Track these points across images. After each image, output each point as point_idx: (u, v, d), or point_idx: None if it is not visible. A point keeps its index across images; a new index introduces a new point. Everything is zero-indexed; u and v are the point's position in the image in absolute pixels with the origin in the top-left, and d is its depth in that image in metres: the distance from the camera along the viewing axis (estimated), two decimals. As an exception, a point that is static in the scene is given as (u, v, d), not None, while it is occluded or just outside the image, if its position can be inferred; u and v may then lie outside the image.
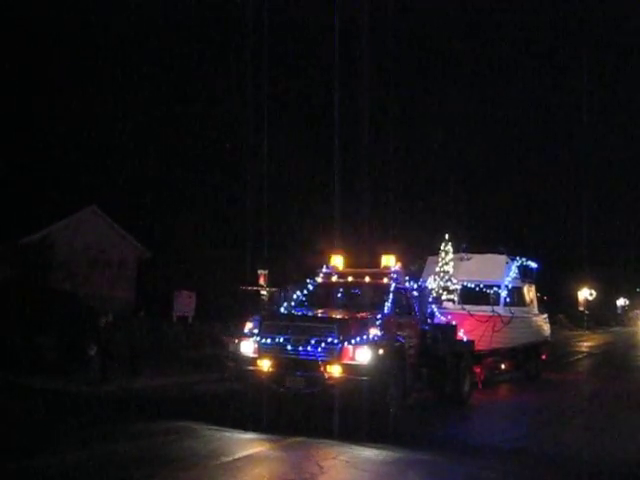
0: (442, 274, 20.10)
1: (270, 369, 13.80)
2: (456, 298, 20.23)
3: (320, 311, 14.69)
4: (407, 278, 15.82)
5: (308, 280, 16.03)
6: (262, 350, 13.97)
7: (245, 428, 13.08)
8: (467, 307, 20.23)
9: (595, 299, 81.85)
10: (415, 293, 15.66)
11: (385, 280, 15.33)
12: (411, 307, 15.45)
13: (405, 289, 15.53)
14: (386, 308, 14.56)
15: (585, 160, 77.91)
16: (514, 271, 22.12)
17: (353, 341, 13.24)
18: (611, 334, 68.12)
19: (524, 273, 23.27)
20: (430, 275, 20.60)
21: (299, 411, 13.80)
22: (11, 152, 34.84)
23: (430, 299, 20.04)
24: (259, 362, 13.95)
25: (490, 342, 20.01)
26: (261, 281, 28.69)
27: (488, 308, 20.09)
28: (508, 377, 22.96)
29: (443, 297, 20.02)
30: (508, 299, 21.22)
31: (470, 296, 20.89)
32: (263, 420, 13.41)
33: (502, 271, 21.59)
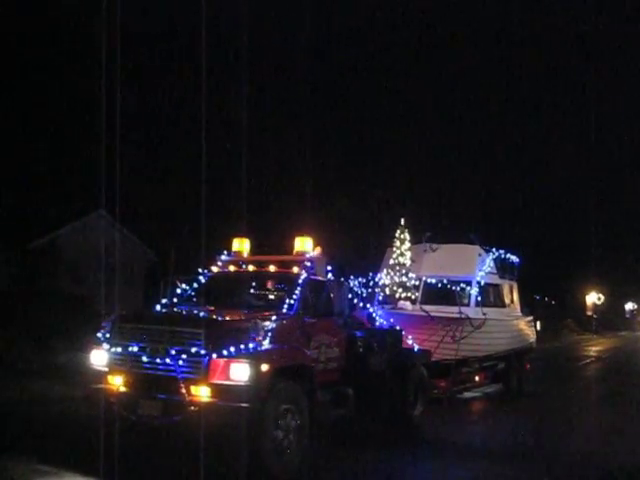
0: (397, 267, 15.67)
1: (122, 389, 9.55)
2: (416, 297, 15.78)
3: (204, 309, 10.41)
4: (329, 268, 11.39)
5: (200, 270, 11.73)
6: (114, 362, 9.73)
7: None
8: (429, 308, 15.86)
9: (603, 303, 78.65)
10: (340, 288, 11.21)
11: (295, 270, 10.96)
12: (331, 306, 11.04)
13: (323, 283, 11.13)
14: (287, 306, 10.20)
15: (594, 160, 73.54)
16: (489, 265, 17.63)
17: (226, 352, 8.95)
18: (619, 338, 64.25)
19: (502, 268, 18.77)
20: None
21: (148, 452, 9.52)
22: (20, 156, 33.88)
23: (380, 298, 15.74)
24: (110, 378, 9.71)
25: (457, 350, 15.59)
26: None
27: (455, 309, 15.62)
28: (484, 391, 18.47)
29: (397, 295, 15.60)
30: (480, 298, 16.75)
31: (434, 295, 16.50)
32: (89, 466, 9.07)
33: (473, 265, 17.13)
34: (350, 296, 12.48)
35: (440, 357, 15.49)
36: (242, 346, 9.01)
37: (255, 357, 9.01)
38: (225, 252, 11.90)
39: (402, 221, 15.96)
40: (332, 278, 11.25)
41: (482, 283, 16.96)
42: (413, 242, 16.53)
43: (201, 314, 9.90)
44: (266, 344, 9.28)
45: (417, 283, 16.07)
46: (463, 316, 15.51)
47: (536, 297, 69.38)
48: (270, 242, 12.99)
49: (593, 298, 78.05)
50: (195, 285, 11.43)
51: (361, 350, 11.76)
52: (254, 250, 12.19)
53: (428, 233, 17.43)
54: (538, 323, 60.19)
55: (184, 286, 11.31)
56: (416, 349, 13.40)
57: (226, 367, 8.93)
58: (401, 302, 15.60)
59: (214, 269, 11.67)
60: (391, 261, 15.84)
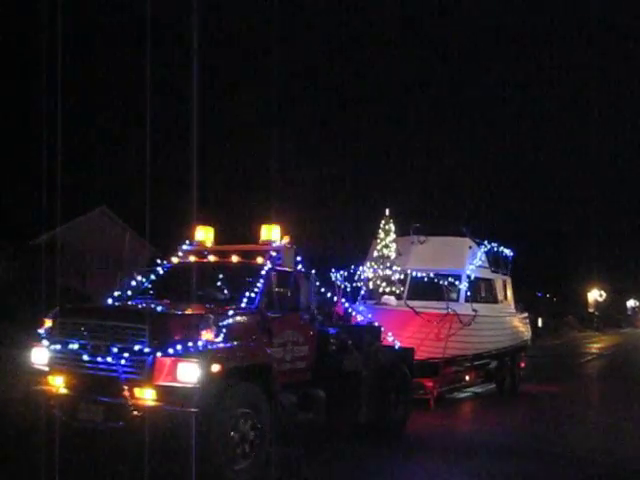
0: (381, 260, 14.58)
1: (62, 390, 8.51)
2: (401, 291, 14.70)
3: (158, 303, 9.34)
4: (299, 259, 10.30)
5: (158, 261, 10.67)
6: (55, 361, 8.70)
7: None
8: (415, 303, 14.78)
9: (605, 300, 77.56)
10: (307, 280, 10.12)
11: (260, 260, 9.87)
12: (299, 300, 9.96)
13: (290, 274, 10.04)
14: (247, 300, 9.12)
15: (596, 159, 72.27)
16: (480, 258, 16.52)
17: (172, 350, 7.90)
18: (621, 335, 63.21)
19: (495, 262, 17.67)
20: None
21: (90, 461, 8.46)
22: (21, 153, 33.80)
23: (364, 292, 14.67)
24: (50, 379, 8.67)
25: (445, 348, 14.51)
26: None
27: (443, 305, 14.52)
28: (475, 392, 17.39)
29: (381, 290, 14.52)
30: (469, 293, 15.64)
31: (421, 289, 15.39)
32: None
33: (463, 258, 16.03)
34: (324, 290, 11.41)
35: (427, 356, 14.42)
36: (191, 344, 7.96)
37: (206, 356, 7.96)
38: (187, 242, 10.82)
39: (387, 211, 14.86)
40: (300, 269, 10.16)
41: (472, 277, 15.86)
42: (399, 234, 15.45)
43: (148, 308, 8.83)
44: (219, 341, 8.22)
45: (403, 277, 14.98)
46: (451, 312, 14.42)
47: (538, 294, 68.49)
48: (239, 231, 11.82)
49: (595, 295, 77.23)
50: (153, 277, 10.37)
51: (334, 348, 10.68)
52: (220, 240, 11.11)
53: (416, 224, 16.33)
54: (539, 320, 59.98)
55: (140, 278, 10.25)
56: (397, 347, 12.30)
57: (173, 367, 7.89)
58: (385, 297, 14.53)
59: (174, 260, 10.60)
60: (375, 253, 14.74)
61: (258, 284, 9.37)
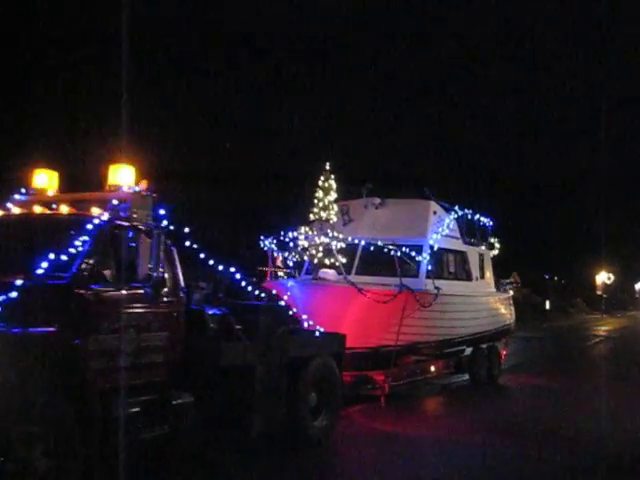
0: (319, 225, 11.37)
1: None
2: (339, 263, 11.43)
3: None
4: (151, 214, 7.06)
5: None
6: None
7: None
8: (366, 279, 11.62)
9: (613, 283, 74.50)
10: (157, 240, 6.85)
11: (95, 211, 6.70)
12: (138, 268, 6.69)
13: (129, 232, 6.76)
14: (42, 266, 5.96)
15: (604, 140, 68.35)
16: (448, 226, 13.19)
17: None
18: (629, 318, 60.25)
19: (469, 232, 14.36)
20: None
21: None
22: (26, 141, 30.26)
23: (290, 262, 11.51)
24: None
25: (398, 334, 11.34)
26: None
27: (396, 281, 11.30)
28: (443, 384, 14.13)
29: (316, 261, 11.31)
30: (431, 267, 12.37)
31: (373, 262, 12.19)
32: None
33: (426, 225, 12.74)
34: (206, 257, 8.18)
35: (375, 343, 11.28)
36: None
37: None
38: (23, 189, 7.66)
39: (327, 165, 11.57)
40: (150, 225, 6.93)
41: (436, 248, 12.58)
42: (344, 194, 12.22)
43: None
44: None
45: (344, 246, 11.71)
46: (404, 290, 11.20)
47: (546, 276, 65.34)
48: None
49: (603, 278, 73.73)
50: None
51: (212, 336, 7.52)
52: (71, 187, 7.95)
53: (369, 185, 13.05)
54: (547, 302, 56.82)
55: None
56: (319, 333, 9.08)
57: None
58: (323, 271, 11.31)
59: (-2, 212, 7.43)
60: (311, 216, 11.51)
61: (77, 243, 6.22)
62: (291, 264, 11.62)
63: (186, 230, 7.53)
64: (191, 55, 35.38)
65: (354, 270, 12.24)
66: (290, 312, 8.69)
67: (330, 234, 11.01)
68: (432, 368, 13.13)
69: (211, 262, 7.74)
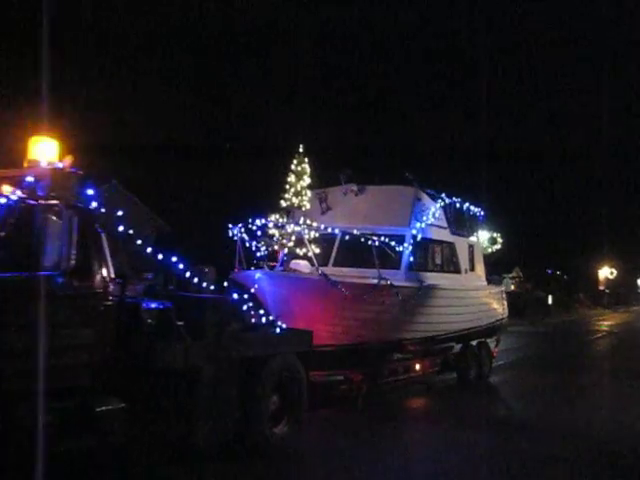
0: (292, 213, 10.35)
1: None
2: (311, 254, 10.38)
3: None
4: (76, 193, 6.06)
5: None
6: None
7: None
8: (343, 271, 10.62)
9: (616, 278, 73.40)
10: (69, 221, 5.83)
11: (5, 189, 5.71)
12: (47, 253, 5.66)
13: (36, 212, 5.74)
14: None
15: (607, 134, 67.25)
16: (434, 215, 12.13)
17: None
18: (632, 313, 58.91)
19: (457, 222, 13.27)
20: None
21: None
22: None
23: (259, 253, 10.54)
24: None
25: (377, 329, 10.34)
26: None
27: (374, 273, 10.28)
28: (428, 384, 13.07)
29: (287, 251, 10.30)
30: (413, 259, 11.33)
31: (352, 253, 11.18)
32: None
33: (408, 213, 11.67)
34: (141, 242, 7.16)
35: (352, 340, 10.27)
36: None
37: None
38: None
39: (300, 147, 10.53)
40: (69, 205, 5.92)
41: (419, 238, 11.53)
42: (319, 179, 11.19)
43: None
44: None
45: (317, 236, 10.70)
46: (383, 283, 10.18)
47: (548, 271, 64.26)
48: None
49: (606, 272, 72.87)
50: None
51: (146, 333, 6.52)
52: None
53: (348, 170, 12.00)
54: (550, 297, 55.88)
55: None
56: (279, 330, 8.07)
57: None
58: (295, 262, 10.31)
59: None
60: (283, 203, 10.47)
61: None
62: (259, 254, 10.59)
63: (119, 213, 6.53)
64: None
65: (331, 261, 11.24)
66: (246, 306, 7.64)
67: (301, 222, 9.98)
68: (417, 366, 12.08)
69: (149, 250, 6.73)
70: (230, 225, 10.43)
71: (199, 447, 6.80)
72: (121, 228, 6.52)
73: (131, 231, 6.58)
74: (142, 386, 6.32)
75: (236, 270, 10.25)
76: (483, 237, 15.68)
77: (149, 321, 6.58)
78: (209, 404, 6.87)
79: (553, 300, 58.79)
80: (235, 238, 10.48)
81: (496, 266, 14.86)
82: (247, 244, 10.85)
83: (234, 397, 7.25)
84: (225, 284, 7.51)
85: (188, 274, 7.05)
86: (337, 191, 11.89)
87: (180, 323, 6.69)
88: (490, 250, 15.50)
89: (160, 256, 6.79)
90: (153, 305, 6.72)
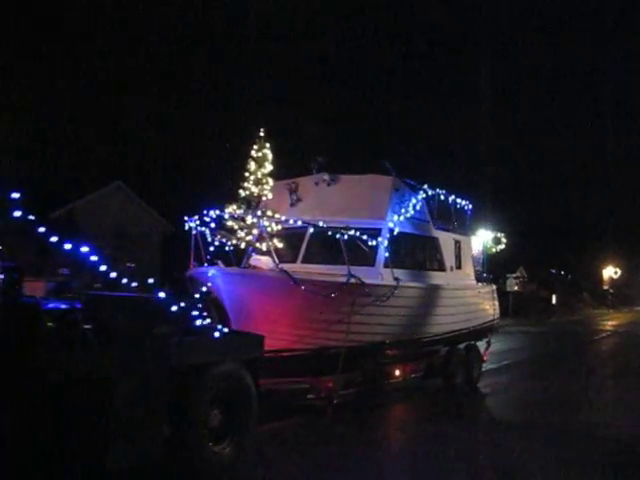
0: (254, 203, 9.18)
1: None
2: (270, 248, 9.19)
3: None
4: None
5: None
6: None
7: None
8: (312, 267, 9.47)
9: (620, 277, 72.07)
10: None
11: None
12: None
13: None
14: None
15: (610, 133, 65.96)
16: (414, 208, 10.90)
17: None
18: (635, 313, 57.63)
19: (441, 215, 12.05)
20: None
21: None
22: (38, 128, 31.27)
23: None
24: None
25: (348, 333, 9.17)
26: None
27: (343, 270, 9.09)
28: (410, 390, 11.88)
29: (243, 245, 9.13)
30: (390, 254, 10.12)
31: (322, 248, 10.03)
32: None
33: (385, 204, 10.45)
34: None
35: (320, 343, 9.12)
36: None
37: None
38: None
39: (261, 131, 9.34)
40: None
41: (396, 232, 10.32)
42: (287, 168, 10.01)
43: None
44: None
45: (280, 229, 9.51)
46: (353, 281, 9.00)
47: (552, 271, 63.05)
48: None
49: (610, 272, 71.61)
50: None
51: (46, 338, 5.36)
52: None
53: (320, 158, 10.79)
54: (554, 297, 54.73)
55: None
56: (219, 335, 6.87)
57: None
58: (255, 258, 9.14)
59: None
60: (241, 192, 9.30)
61: None
62: (212, 249, 9.41)
63: (15, 195, 5.39)
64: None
65: (300, 258, 10.09)
66: (177, 307, 6.45)
67: (259, 213, 8.80)
68: (397, 372, 10.90)
69: (54, 239, 5.56)
70: (186, 218, 9.28)
71: (110, 471, 5.63)
72: (18, 213, 5.38)
73: (32, 217, 5.43)
74: (34, 402, 5.16)
75: (191, 267, 9.11)
76: (487, 237, 14.68)
77: (49, 324, 5.43)
78: (125, 422, 5.70)
79: (557, 300, 57.63)
80: (196, 231, 9.33)
81: (500, 266, 13.64)
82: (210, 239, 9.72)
83: (161, 413, 6.08)
84: (151, 281, 6.27)
85: (104, 268, 5.86)
86: (308, 181, 10.71)
87: (88, 327, 5.54)
88: (494, 250, 14.68)
89: (68, 246, 5.63)
90: (57, 305, 5.57)
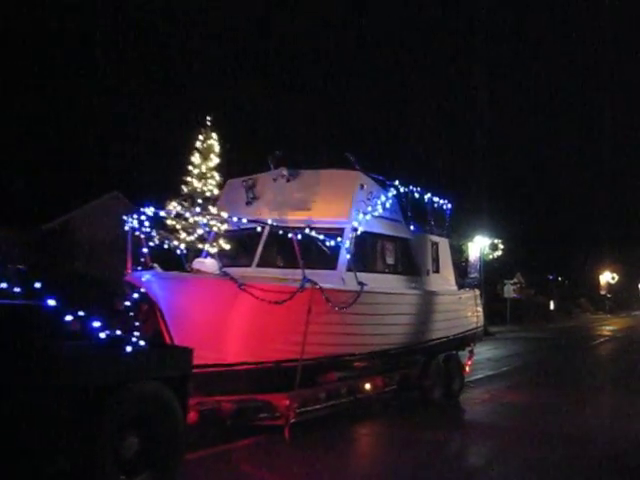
0: (199, 200, 8.08)
1: None
2: (214, 251, 8.10)
3: None
4: None
5: None
6: None
7: None
8: (268, 271, 8.38)
9: (617, 283, 71.60)
10: None
11: None
12: None
13: None
14: None
15: (607, 136, 65.28)
16: (383, 206, 9.76)
17: None
18: (633, 318, 57.60)
19: (417, 215, 10.94)
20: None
21: None
22: (34, 139, 31.13)
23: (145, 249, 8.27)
24: None
25: (304, 344, 8.03)
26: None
27: (297, 273, 7.98)
28: (383, 405, 10.72)
29: (183, 246, 8.02)
30: (353, 256, 8.99)
31: (280, 251, 8.95)
32: None
33: (349, 201, 9.32)
34: None
35: (271, 357, 7.99)
36: None
37: None
38: None
39: (208, 119, 8.23)
40: None
41: (360, 232, 9.19)
42: (226, 158, 8.90)
43: None
44: None
45: (232, 229, 8.40)
46: (308, 286, 7.88)
47: (550, 277, 62.19)
48: None
49: (607, 277, 71.01)
50: None
51: None
52: None
53: (278, 152, 9.68)
54: (551, 302, 53.80)
55: None
56: (131, 349, 5.75)
57: None
58: (198, 260, 8.04)
59: None
60: (184, 188, 8.18)
61: None
62: (146, 250, 8.29)
63: None
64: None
65: (256, 261, 8.98)
66: (73, 315, 5.33)
67: (197, 210, 7.69)
68: (367, 386, 9.76)
69: None
70: (124, 217, 8.17)
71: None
72: None
73: None
74: None
75: (128, 271, 7.99)
76: (484, 243, 13.69)
77: None
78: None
79: (555, 306, 56.83)
80: (135, 230, 8.20)
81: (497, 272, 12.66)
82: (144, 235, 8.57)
83: (54, 443, 4.99)
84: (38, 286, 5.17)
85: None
86: (266, 177, 9.62)
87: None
88: (491, 256, 13.74)
89: None
90: None
